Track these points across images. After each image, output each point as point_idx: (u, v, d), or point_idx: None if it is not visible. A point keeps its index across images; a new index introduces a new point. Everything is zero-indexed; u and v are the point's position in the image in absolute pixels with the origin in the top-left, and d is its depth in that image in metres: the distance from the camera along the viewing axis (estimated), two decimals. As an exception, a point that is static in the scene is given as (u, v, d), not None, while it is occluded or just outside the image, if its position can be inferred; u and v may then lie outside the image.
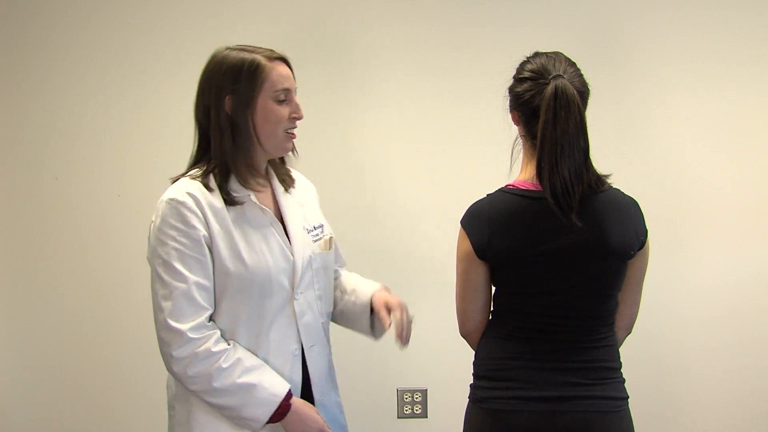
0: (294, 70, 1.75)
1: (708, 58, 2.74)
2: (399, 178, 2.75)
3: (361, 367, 2.70)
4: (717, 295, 2.76)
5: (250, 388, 1.65)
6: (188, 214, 1.64)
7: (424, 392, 2.80)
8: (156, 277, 1.66)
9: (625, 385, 1.79)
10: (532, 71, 1.73)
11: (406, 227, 2.73)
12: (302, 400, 1.73)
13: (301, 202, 1.85)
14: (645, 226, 1.79)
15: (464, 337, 1.87)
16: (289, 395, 1.69)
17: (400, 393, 2.79)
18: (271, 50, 1.72)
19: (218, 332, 1.67)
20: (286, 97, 1.71)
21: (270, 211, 1.75)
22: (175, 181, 1.73)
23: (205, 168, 1.71)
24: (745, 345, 2.77)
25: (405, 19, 2.75)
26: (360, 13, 2.75)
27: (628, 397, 1.78)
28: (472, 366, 1.83)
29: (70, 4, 2.73)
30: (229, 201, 1.69)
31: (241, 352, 1.67)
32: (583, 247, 1.70)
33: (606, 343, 1.76)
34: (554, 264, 1.70)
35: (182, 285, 1.63)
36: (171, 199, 1.66)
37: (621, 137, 2.74)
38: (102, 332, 2.76)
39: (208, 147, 1.71)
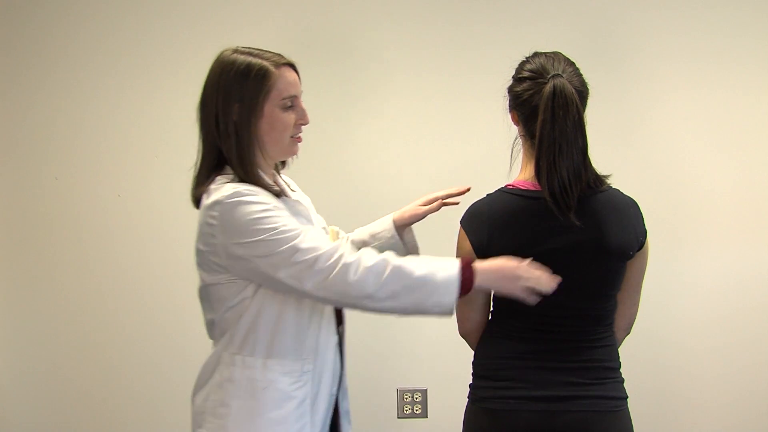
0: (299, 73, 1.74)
1: (707, 58, 2.75)
2: (400, 177, 2.75)
3: (361, 367, 2.69)
4: (716, 295, 2.76)
5: (424, 281, 1.56)
6: (259, 194, 1.61)
7: (424, 392, 2.80)
8: (266, 252, 1.56)
9: (625, 385, 1.79)
10: (531, 71, 1.73)
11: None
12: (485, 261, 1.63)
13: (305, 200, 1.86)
14: (644, 226, 1.79)
15: (463, 337, 1.87)
16: (464, 262, 1.61)
17: (400, 393, 2.79)
18: (279, 55, 1.70)
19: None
20: (292, 103, 1.69)
21: (303, 204, 1.78)
22: (198, 192, 1.68)
23: (232, 173, 1.67)
24: (744, 345, 2.76)
25: (407, 17, 2.75)
26: (362, 12, 2.75)
27: (627, 396, 1.78)
28: (471, 366, 1.83)
29: (69, 4, 2.73)
30: (273, 193, 1.67)
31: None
32: (582, 247, 1.70)
33: (605, 343, 1.76)
34: (553, 264, 1.70)
35: (296, 231, 1.58)
36: (234, 192, 1.59)
37: (620, 137, 2.74)
38: (102, 332, 2.76)
39: (220, 152, 1.67)
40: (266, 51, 1.70)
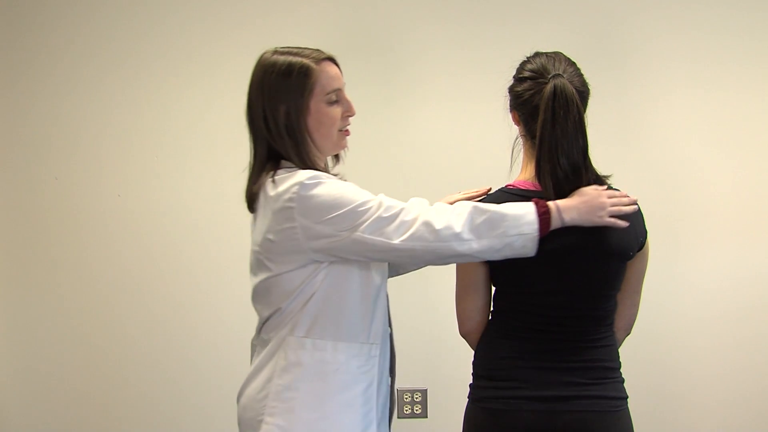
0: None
1: (707, 58, 2.75)
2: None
3: (361, 367, 2.69)
4: (716, 295, 2.76)
5: (501, 217, 1.59)
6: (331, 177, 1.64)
7: (424, 392, 2.80)
8: (353, 222, 1.58)
9: (625, 384, 1.79)
10: (531, 71, 1.73)
11: None
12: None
13: None
14: (645, 227, 1.79)
15: (464, 337, 1.87)
16: (537, 203, 1.62)
17: (400, 393, 2.79)
18: (318, 50, 1.70)
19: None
20: (337, 97, 1.71)
21: None
22: (255, 188, 1.70)
23: (292, 166, 1.68)
24: (744, 345, 2.76)
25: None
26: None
27: (627, 396, 1.78)
28: (471, 366, 1.83)
29: (70, 4, 2.73)
30: None
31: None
32: (582, 247, 1.70)
33: (605, 343, 1.76)
34: (553, 264, 1.70)
35: (376, 197, 1.61)
36: (313, 174, 1.61)
37: (621, 137, 2.74)
38: (102, 332, 2.76)
39: (271, 149, 1.69)
40: (305, 48, 1.70)
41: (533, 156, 1.71)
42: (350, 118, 1.75)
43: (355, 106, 1.75)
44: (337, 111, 1.71)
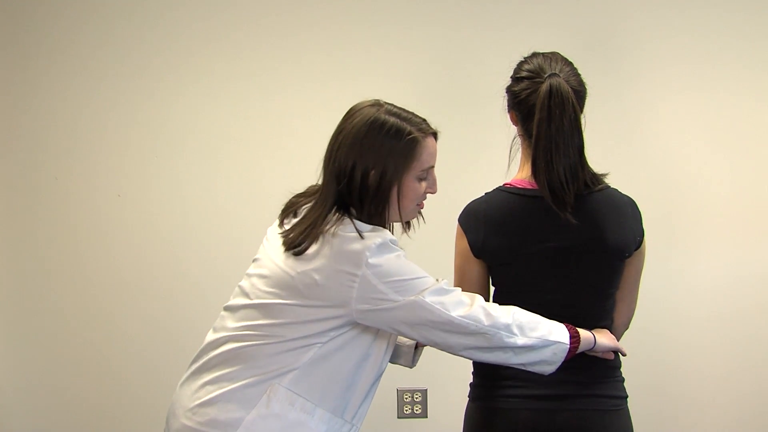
0: None
1: (705, 58, 2.75)
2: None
3: (361, 367, 2.69)
4: (716, 294, 2.76)
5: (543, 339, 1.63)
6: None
7: (424, 392, 2.80)
8: (413, 291, 1.58)
9: (624, 383, 1.79)
10: (528, 71, 1.74)
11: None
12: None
13: None
14: (642, 226, 1.79)
15: None
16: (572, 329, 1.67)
17: (400, 393, 2.79)
18: (425, 121, 1.68)
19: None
20: (428, 174, 1.69)
21: None
22: (315, 232, 1.61)
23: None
24: (744, 344, 2.76)
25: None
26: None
27: (627, 396, 1.78)
28: (471, 365, 1.84)
29: (69, 3, 2.73)
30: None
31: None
32: (580, 246, 1.71)
33: None
34: (551, 263, 1.71)
35: (431, 277, 1.63)
36: (389, 239, 1.60)
37: (618, 137, 2.74)
38: (101, 332, 2.76)
39: (339, 198, 1.64)
40: (413, 114, 1.68)
41: (530, 155, 1.72)
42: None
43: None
44: (423, 187, 1.69)
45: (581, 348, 1.66)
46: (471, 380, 1.83)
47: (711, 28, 2.75)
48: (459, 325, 1.58)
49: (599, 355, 1.72)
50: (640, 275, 1.85)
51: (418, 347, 1.89)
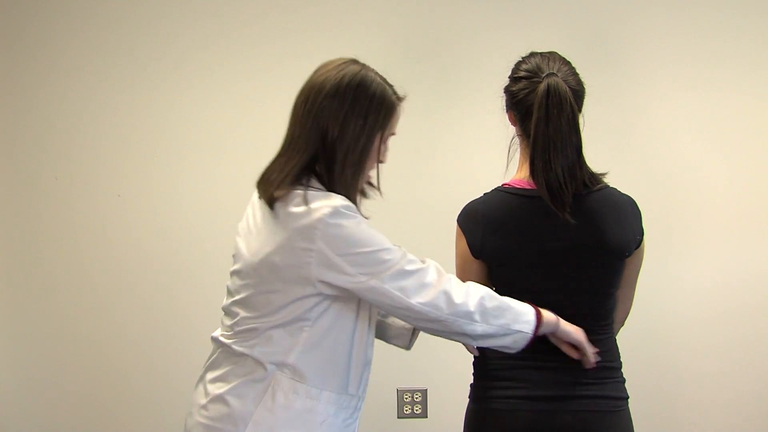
0: None
1: (703, 58, 2.74)
2: (402, 176, 2.74)
3: (360, 367, 2.69)
4: (715, 294, 2.76)
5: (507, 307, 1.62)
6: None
7: (424, 392, 2.80)
8: (373, 267, 1.55)
9: (625, 385, 1.79)
10: (526, 70, 1.74)
11: (411, 226, 2.70)
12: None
13: None
14: (642, 225, 1.79)
15: None
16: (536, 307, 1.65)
17: (400, 393, 2.79)
18: (394, 87, 1.67)
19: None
20: (388, 140, 1.69)
21: None
22: (279, 192, 1.59)
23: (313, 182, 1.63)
24: (743, 344, 2.76)
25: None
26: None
27: (628, 397, 1.77)
28: (471, 366, 1.84)
29: (69, 3, 2.73)
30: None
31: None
32: (579, 246, 1.71)
33: (605, 342, 1.76)
34: (550, 263, 1.71)
35: (400, 249, 1.59)
36: (346, 206, 1.56)
37: (617, 136, 2.74)
38: (101, 332, 2.76)
39: (313, 158, 1.61)
40: (386, 80, 1.67)
41: (529, 155, 1.72)
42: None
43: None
44: (383, 151, 1.68)
45: (542, 331, 1.64)
46: (471, 381, 1.83)
47: (710, 28, 2.74)
48: (419, 312, 1.57)
49: (563, 348, 1.69)
50: (638, 273, 1.85)
51: (415, 330, 1.89)
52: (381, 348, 2.86)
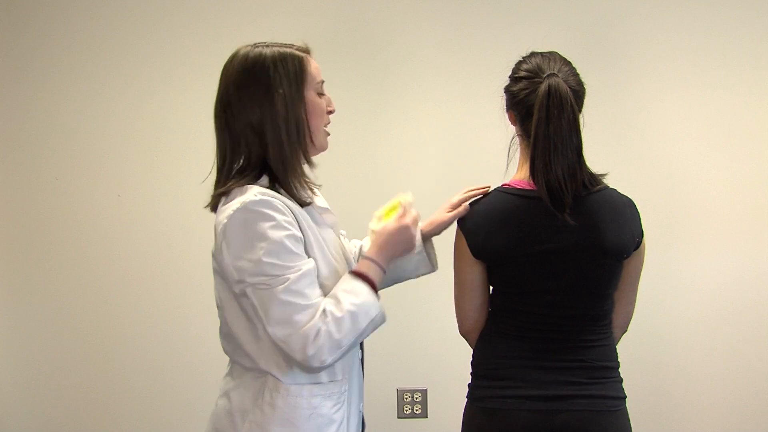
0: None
1: (703, 57, 2.74)
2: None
3: (360, 367, 2.69)
4: (714, 294, 2.76)
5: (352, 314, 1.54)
6: (279, 213, 1.53)
7: (424, 392, 2.80)
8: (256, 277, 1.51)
9: (623, 384, 1.79)
10: (527, 70, 1.74)
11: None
12: (364, 263, 1.62)
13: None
14: (641, 227, 1.78)
15: (464, 336, 1.88)
16: (356, 274, 1.59)
17: (400, 393, 2.79)
18: (295, 44, 1.66)
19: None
20: (322, 89, 1.67)
21: (330, 212, 1.73)
22: (221, 195, 1.62)
23: (259, 176, 1.62)
24: (742, 345, 2.76)
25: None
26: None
27: (625, 396, 1.77)
28: (470, 365, 1.84)
29: (69, 3, 2.73)
30: (301, 203, 1.62)
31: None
32: (578, 246, 1.70)
33: (603, 342, 1.76)
34: (549, 263, 1.71)
35: (294, 271, 1.51)
36: (256, 201, 1.52)
37: (617, 136, 2.74)
38: (101, 332, 2.76)
39: (249, 154, 1.61)
40: (282, 43, 1.66)
41: (529, 155, 1.71)
42: (331, 117, 1.70)
43: (349, 107, 1.72)
44: (324, 103, 1.66)
45: (379, 278, 1.60)
46: (470, 380, 1.83)
47: (710, 28, 2.74)
48: (272, 337, 1.52)
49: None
50: (639, 276, 1.85)
51: (428, 247, 1.89)
52: (381, 348, 2.88)
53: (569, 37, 2.71)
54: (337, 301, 1.53)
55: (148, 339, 2.76)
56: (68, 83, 2.74)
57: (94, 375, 2.76)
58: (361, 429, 1.76)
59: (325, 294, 1.56)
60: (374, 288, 1.59)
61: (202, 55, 2.75)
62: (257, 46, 1.63)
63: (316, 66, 1.66)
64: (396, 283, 1.92)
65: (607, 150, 2.60)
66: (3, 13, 2.73)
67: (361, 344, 1.77)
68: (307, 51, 1.67)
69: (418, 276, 1.93)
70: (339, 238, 1.76)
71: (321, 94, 1.66)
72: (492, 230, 1.74)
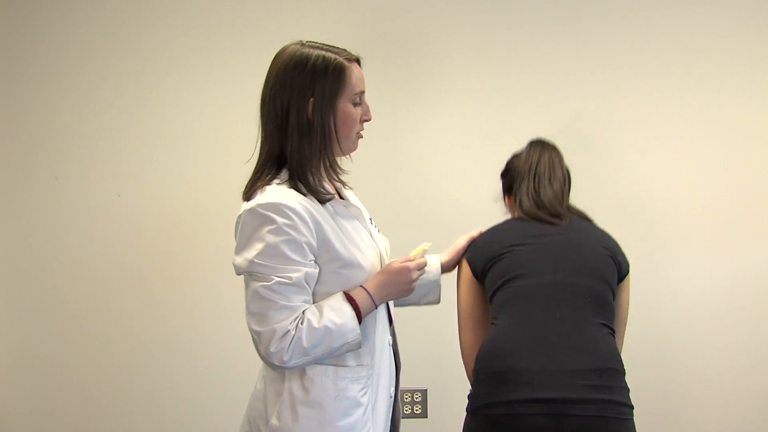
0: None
1: (704, 57, 2.74)
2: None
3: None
4: (713, 295, 2.75)
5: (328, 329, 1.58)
6: (282, 217, 1.57)
7: (424, 392, 2.80)
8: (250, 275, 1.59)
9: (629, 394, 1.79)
10: (512, 155, 2.06)
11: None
12: (360, 292, 1.65)
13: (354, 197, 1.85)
14: (626, 259, 1.91)
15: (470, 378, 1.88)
16: (347, 297, 1.63)
17: (401, 393, 2.78)
18: (347, 50, 1.68)
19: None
20: (360, 99, 1.69)
21: (355, 206, 1.76)
22: (250, 192, 1.66)
23: (281, 172, 1.66)
24: (742, 344, 2.76)
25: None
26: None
27: (633, 407, 1.77)
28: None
29: (68, 3, 2.73)
30: (321, 200, 1.65)
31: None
32: (573, 239, 1.86)
33: (607, 330, 1.78)
34: (545, 248, 1.83)
35: (286, 280, 1.57)
36: (263, 204, 1.58)
37: (617, 135, 2.73)
38: (102, 332, 2.76)
39: (279, 149, 1.65)
40: (333, 46, 1.68)
41: (517, 194, 1.97)
42: (365, 124, 1.72)
43: (377, 108, 1.74)
44: (359, 113, 1.68)
45: (368, 311, 1.64)
46: (470, 390, 1.82)
47: (708, 28, 2.74)
48: (249, 328, 1.59)
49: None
50: (628, 310, 1.94)
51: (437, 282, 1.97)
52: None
53: (568, 35, 2.70)
54: (321, 313, 1.58)
55: (148, 339, 2.76)
56: (68, 83, 2.74)
57: (95, 375, 2.76)
58: (392, 412, 1.79)
59: (339, 282, 1.63)
60: (359, 317, 1.62)
61: (203, 55, 2.75)
62: (305, 46, 1.66)
63: (359, 76, 1.68)
64: (405, 306, 1.97)
65: (607, 149, 2.60)
66: (2, 13, 2.73)
67: (393, 330, 1.81)
68: (355, 59, 1.68)
69: (425, 303, 1.99)
70: (367, 229, 1.77)
71: (357, 104, 1.68)
72: (491, 240, 1.92)
